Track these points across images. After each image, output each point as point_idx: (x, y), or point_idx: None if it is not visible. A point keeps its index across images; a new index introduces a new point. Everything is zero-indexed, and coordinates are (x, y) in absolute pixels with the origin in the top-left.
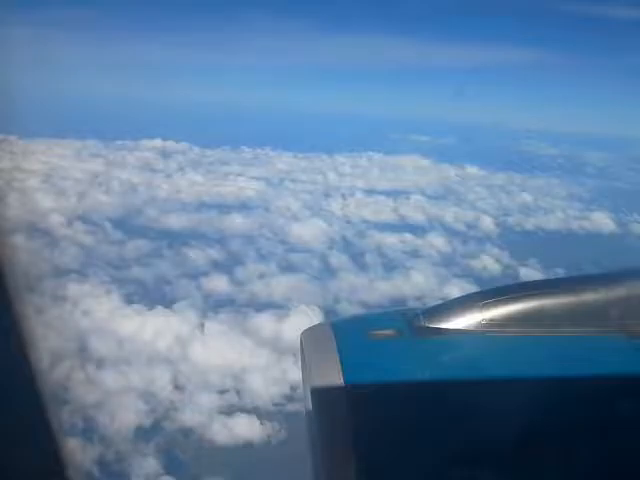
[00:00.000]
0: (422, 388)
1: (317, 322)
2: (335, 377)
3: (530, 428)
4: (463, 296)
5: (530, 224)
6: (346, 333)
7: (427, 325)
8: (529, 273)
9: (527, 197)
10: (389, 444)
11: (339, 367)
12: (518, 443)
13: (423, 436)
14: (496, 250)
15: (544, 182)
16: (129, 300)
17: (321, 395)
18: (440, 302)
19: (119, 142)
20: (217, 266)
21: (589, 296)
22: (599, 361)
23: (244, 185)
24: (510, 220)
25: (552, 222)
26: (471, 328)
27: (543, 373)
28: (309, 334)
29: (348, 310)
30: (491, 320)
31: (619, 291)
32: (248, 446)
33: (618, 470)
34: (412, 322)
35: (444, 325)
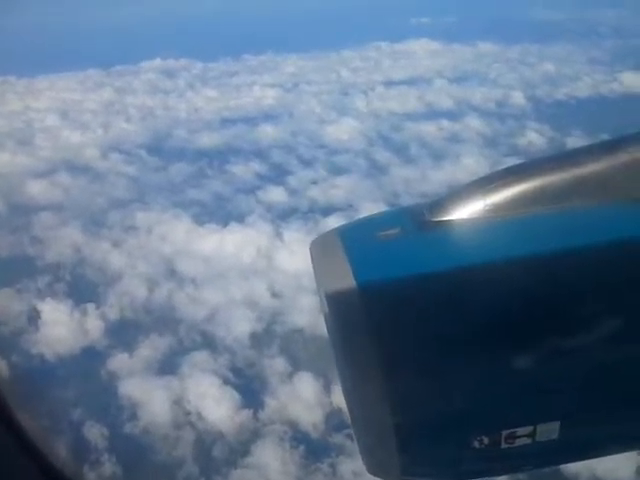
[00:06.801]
0: (425, 282)
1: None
2: (344, 281)
3: (551, 304)
4: (466, 184)
5: (561, 94)
6: (352, 237)
7: (431, 219)
8: (577, 142)
9: (549, 67)
10: (404, 340)
11: (347, 271)
12: (538, 322)
13: (437, 327)
14: (536, 124)
15: (561, 49)
16: (200, 221)
17: (334, 301)
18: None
19: (119, 67)
20: (266, 178)
21: (593, 167)
22: (613, 229)
23: (260, 94)
24: (539, 92)
25: (582, 89)
26: (475, 215)
27: (551, 249)
28: (317, 243)
29: (411, 203)
30: (495, 205)
31: (622, 157)
32: None
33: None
34: (416, 218)
35: (447, 217)
